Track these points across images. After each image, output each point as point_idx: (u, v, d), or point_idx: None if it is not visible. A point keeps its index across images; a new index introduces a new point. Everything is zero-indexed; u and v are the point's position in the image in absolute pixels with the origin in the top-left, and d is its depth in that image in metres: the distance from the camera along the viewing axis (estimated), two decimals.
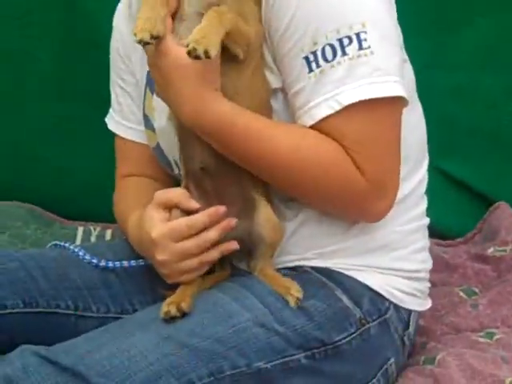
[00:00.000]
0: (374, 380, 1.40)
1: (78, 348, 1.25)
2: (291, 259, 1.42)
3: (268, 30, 1.31)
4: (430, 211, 1.51)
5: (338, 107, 1.27)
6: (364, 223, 1.39)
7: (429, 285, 1.52)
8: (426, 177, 1.50)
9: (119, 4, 1.62)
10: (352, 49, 1.26)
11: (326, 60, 1.26)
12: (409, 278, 1.44)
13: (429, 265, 1.51)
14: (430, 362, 1.48)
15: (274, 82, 1.34)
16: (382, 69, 1.27)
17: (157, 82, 1.33)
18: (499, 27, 2.05)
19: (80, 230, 2.16)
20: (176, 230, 1.32)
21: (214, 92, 1.29)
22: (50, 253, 1.57)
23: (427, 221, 1.50)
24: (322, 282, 1.39)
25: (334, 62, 1.26)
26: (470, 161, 2.08)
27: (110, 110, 1.68)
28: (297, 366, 1.32)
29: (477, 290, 1.81)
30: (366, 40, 1.26)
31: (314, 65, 1.27)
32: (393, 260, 1.42)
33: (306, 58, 1.28)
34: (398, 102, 1.31)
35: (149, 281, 1.50)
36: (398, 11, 1.38)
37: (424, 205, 1.49)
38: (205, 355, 1.26)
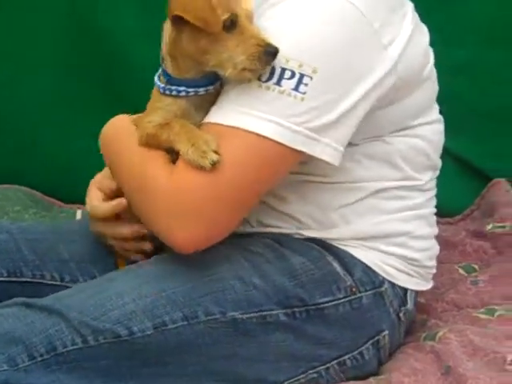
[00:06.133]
0: (363, 348, 1.40)
1: (58, 294, 1.33)
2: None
3: None
4: None
5: (233, 123, 1.24)
6: (344, 214, 1.38)
7: (432, 271, 1.50)
8: (434, 176, 1.48)
9: None
10: (288, 84, 1.23)
11: (259, 78, 1.24)
12: (407, 262, 1.43)
13: (432, 252, 1.49)
14: (431, 338, 1.47)
15: None
16: (299, 118, 1.23)
17: None
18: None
19: (78, 212, 2.17)
20: (97, 212, 1.46)
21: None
22: (39, 226, 1.61)
23: (429, 210, 1.48)
24: (313, 246, 1.39)
25: (264, 85, 1.23)
26: (469, 137, 2.07)
27: None
28: (275, 321, 1.33)
29: (476, 267, 1.81)
30: (306, 85, 1.22)
31: None
32: (385, 245, 1.41)
33: None
34: (289, 154, 1.26)
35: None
36: None
37: (422, 197, 1.45)
38: (179, 300, 1.29)
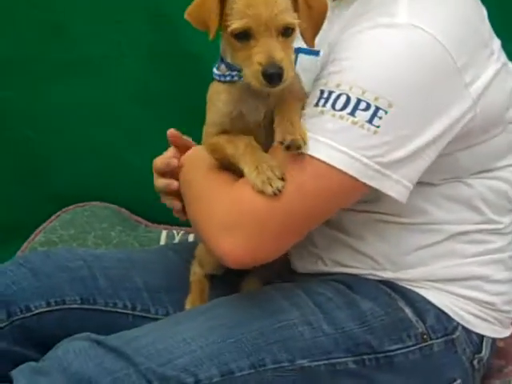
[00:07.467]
0: None
1: (127, 334, 1.31)
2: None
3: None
4: None
5: (307, 151, 1.20)
6: (421, 256, 1.35)
7: (510, 315, 1.41)
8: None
9: None
10: (362, 115, 1.19)
11: (333, 106, 1.21)
12: (482, 306, 1.37)
13: (509, 297, 1.40)
14: None
15: None
16: (370, 152, 1.19)
17: None
18: None
19: (164, 233, 2.13)
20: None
21: None
22: (116, 254, 1.63)
23: (508, 254, 1.40)
24: (385, 290, 1.35)
25: (337, 114, 1.20)
26: None
27: None
28: (344, 369, 1.29)
29: None
30: (380, 119, 1.19)
31: (321, 102, 1.22)
32: (459, 287, 1.36)
33: (322, 92, 1.24)
34: (354, 186, 1.22)
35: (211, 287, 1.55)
36: None
37: (502, 241, 1.38)
38: (247, 347, 1.27)
